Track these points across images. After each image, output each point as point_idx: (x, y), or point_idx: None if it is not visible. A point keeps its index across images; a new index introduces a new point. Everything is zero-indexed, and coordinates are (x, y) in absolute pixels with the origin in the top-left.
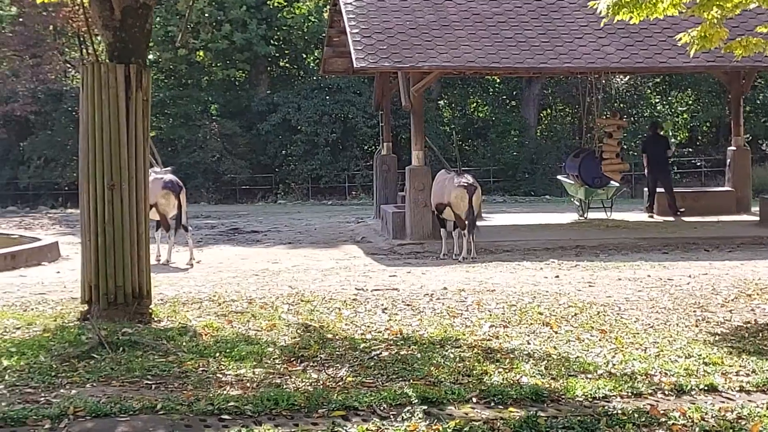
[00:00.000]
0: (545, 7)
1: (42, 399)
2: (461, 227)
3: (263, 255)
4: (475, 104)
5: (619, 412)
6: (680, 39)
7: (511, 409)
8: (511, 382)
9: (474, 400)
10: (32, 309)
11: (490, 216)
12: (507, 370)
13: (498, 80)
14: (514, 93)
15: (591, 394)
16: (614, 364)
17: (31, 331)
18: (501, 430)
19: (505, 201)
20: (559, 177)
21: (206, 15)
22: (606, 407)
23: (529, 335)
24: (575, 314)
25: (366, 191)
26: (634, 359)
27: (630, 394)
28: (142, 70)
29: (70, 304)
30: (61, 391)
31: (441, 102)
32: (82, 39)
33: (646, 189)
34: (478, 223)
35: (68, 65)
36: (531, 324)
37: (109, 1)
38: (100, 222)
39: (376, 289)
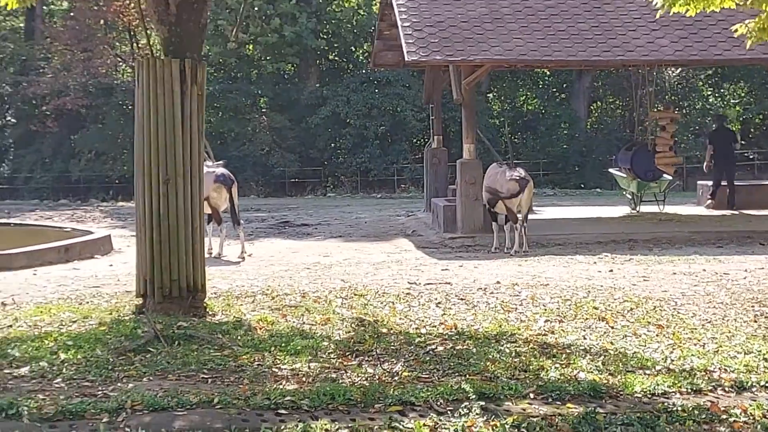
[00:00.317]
0: (598, 0)
1: (99, 392)
2: (513, 220)
3: (314, 248)
4: (524, 97)
5: (679, 408)
6: (736, 31)
7: (569, 405)
8: (569, 377)
9: (531, 395)
10: (87, 302)
11: (540, 209)
12: (564, 366)
13: (548, 73)
14: (564, 85)
15: (650, 391)
16: (672, 360)
17: (87, 325)
18: (559, 427)
19: (556, 194)
20: (610, 170)
21: (256, 9)
22: (665, 404)
23: (584, 330)
24: (631, 309)
25: (415, 184)
26: (692, 355)
27: (689, 390)
28: (197, 65)
29: (124, 298)
30: (118, 384)
31: (490, 95)
32: (132, 33)
33: (700, 182)
34: (530, 217)
35: (119, 59)
36: (586, 319)
37: None
38: (155, 216)
39: (428, 283)
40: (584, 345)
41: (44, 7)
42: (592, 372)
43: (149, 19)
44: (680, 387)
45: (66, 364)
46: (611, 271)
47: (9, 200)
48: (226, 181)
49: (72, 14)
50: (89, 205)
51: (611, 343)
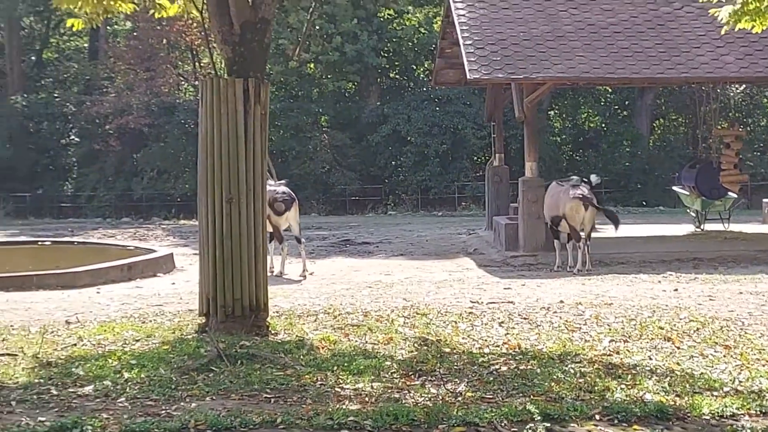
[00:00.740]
0: (662, 16)
1: (163, 412)
2: (576, 239)
3: (375, 267)
4: (586, 114)
5: (748, 431)
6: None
7: (635, 426)
8: (635, 399)
9: (597, 417)
10: (150, 321)
11: (603, 227)
12: (629, 387)
13: (610, 90)
14: (626, 103)
15: (718, 413)
16: (741, 381)
17: (150, 343)
18: None
19: (618, 212)
20: (673, 188)
21: (317, 28)
22: (734, 426)
23: (650, 350)
24: (697, 329)
25: (476, 202)
26: (761, 376)
27: (759, 412)
28: (260, 84)
29: (187, 316)
30: (182, 404)
31: (552, 112)
32: (195, 52)
33: (766, 200)
34: (593, 235)
35: (181, 78)
36: (652, 339)
37: (229, 15)
38: (218, 235)
39: (491, 302)
40: (650, 365)
41: (108, 28)
42: (658, 393)
43: (213, 38)
44: (749, 409)
45: (129, 383)
46: (676, 290)
47: (72, 219)
48: (286, 199)
49: (135, 34)
50: (151, 223)
51: (678, 363)
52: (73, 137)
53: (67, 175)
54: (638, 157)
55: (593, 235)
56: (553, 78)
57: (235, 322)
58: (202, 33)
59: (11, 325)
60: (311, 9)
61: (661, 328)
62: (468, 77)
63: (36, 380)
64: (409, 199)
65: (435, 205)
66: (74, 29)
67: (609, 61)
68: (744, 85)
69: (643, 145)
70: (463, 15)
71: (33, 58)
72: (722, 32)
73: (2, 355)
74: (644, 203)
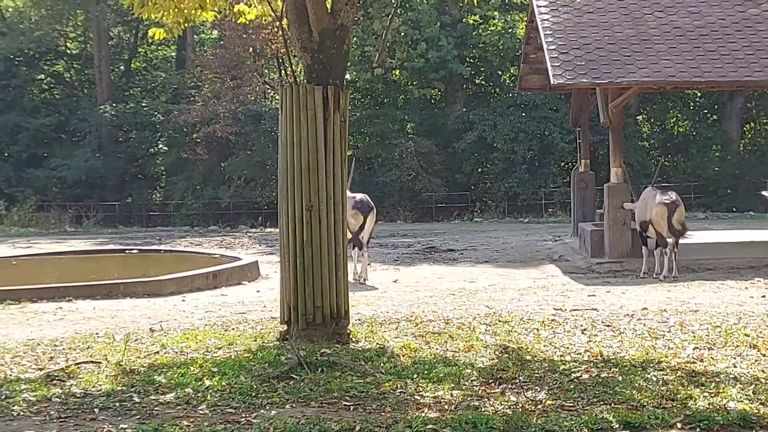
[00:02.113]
0: (749, 18)
1: (243, 419)
2: (662, 245)
3: (460, 274)
4: (674, 119)
5: None
6: None
7: None
8: (718, 407)
9: (678, 425)
10: (233, 329)
11: (691, 233)
12: (713, 395)
13: (699, 94)
14: (716, 107)
15: None
16: None
17: (232, 351)
18: None
19: (707, 217)
20: (763, 192)
21: (402, 34)
22: None
23: (735, 358)
24: None
25: (563, 209)
26: None
27: None
28: (339, 92)
29: (269, 324)
30: (261, 411)
31: (640, 117)
32: (280, 60)
33: None
34: (681, 241)
35: (267, 86)
36: (737, 346)
37: (308, 23)
38: (298, 243)
39: (574, 309)
40: (734, 373)
41: (195, 37)
42: (742, 401)
43: (293, 46)
44: None
45: (210, 391)
46: (764, 296)
47: (160, 227)
48: (363, 208)
49: (222, 43)
50: (238, 231)
51: (763, 371)
52: (161, 146)
53: (155, 184)
54: (728, 161)
55: (681, 241)
56: (638, 82)
57: (316, 329)
58: (283, 41)
59: (97, 333)
60: (391, 16)
61: (747, 336)
62: (552, 83)
63: (119, 388)
64: (495, 205)
65: (522, 212)
66: (156, 38)
67: (695, 64)
68: None
69: (733, 150)
70: (547, 20)
71: (121, 67)
72: None
73: (87, 362)
74: (734, 209)
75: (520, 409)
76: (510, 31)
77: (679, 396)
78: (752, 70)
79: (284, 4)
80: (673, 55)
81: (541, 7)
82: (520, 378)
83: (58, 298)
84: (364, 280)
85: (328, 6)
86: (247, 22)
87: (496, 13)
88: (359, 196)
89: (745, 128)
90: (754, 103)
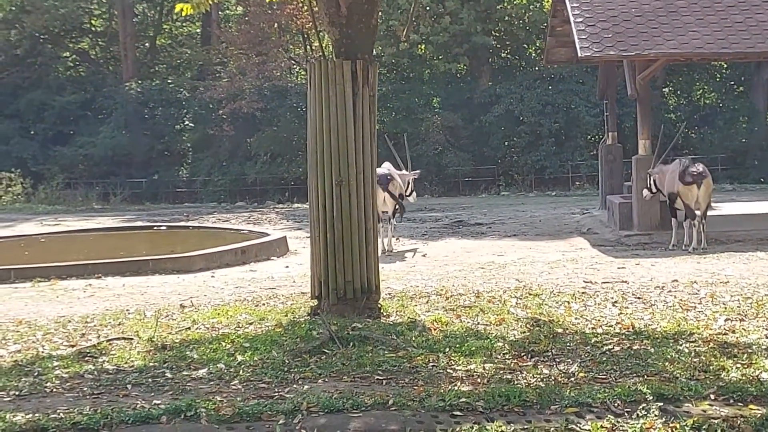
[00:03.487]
0: None
1: (275, 394)
2: (690, 217)
3: (488, 248)
4: (701, 91)
5: None
6: None
7: (751, 406)
8: (750, 378)
9: (712, 397)
10: (263, 304)
11: (719, 205)
12: (745, 366)
13: (725, 66)
14: (743, 78)
15: None
16: None
17: (263, 326)
18: (742, 429)
19: (735, 189)
20: None
21: (427, 8)
22: None
23: (767, 329)
24: None
25: (590, 182)
26: None
27: None
28: (368, 66)
29: (299, 299)
30: (294, 386)
31: (666, 89)
32: (306, 35)
33: None
34: (709, 213)
35: (292, 62)
36: None
37: None
38: (328, 218)
39: (605, 282)
40: (766, 344)
41: (220, 13)
42: None
43: (320, 21)
44: None
45: (243, 366)
46: None
47: (188, 203)
48: (382, 181)
49: (247, 18)
50: (265, 207)
51: None
52: (187, 123)
53: (182, 161)
54: (755, 133)
55: (710, 213)
56: (666, 54)
57: (347, 304)
58: (311, 15)
59: (127, 310)
60: None
61: None
62: (579, 55)
63: (151, 363)
64: (522, 179)
65: (549, 185)
66: (183, 14)
67: (723, 35)
68: None
69: (761, 121)
70: None
71: (146, 44)
72: None
73: (119, 339)
74: (762, 180)
75: (553, 382)
76: (536, 3)
77: (711, 368)
78: None
79: None
80: (700, 26)
81: None
82: (552, 351)
83: (87, 275)
84: (390, 250)
85: None
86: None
87: None
88: (381, 170)
89: None
90: None
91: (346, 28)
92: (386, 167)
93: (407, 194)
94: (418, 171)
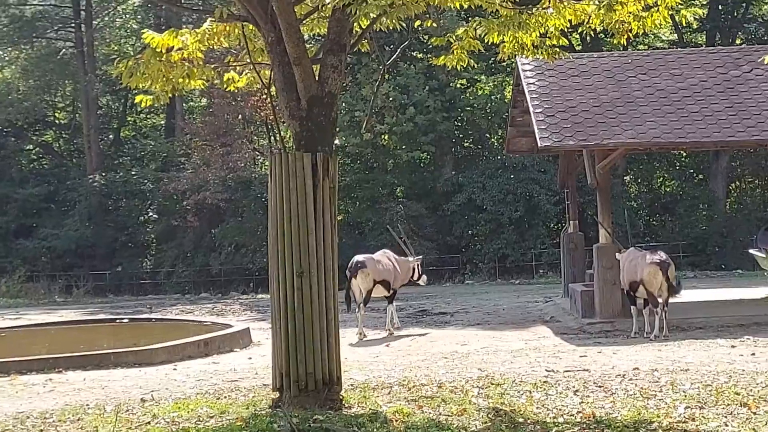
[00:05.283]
0: (731, 80)
1: None
2: (653, 305)
3: (452, 337)
4: (662, 179)
5: None
6: None
7: None
8: None
9: None
10: (225, 397)
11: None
12: None
13: (684, 154)
14: (702, 166)
15: None
16: None
17: (224, 420)
18: None
19: (696, 276)
20: (750, 251)
21: (391, 99)
22: None
23: (726, 417)
24: None
25: (553, 269)
26: None
27: None
28: (328, 158)
29: (261, 391)
30: None
31: (627, 177)
32: (269, 127)
33: None
34: (671, 300)
35: (257, 153)
36: (728, 405)
37: (296, 91)
38: (289, 309)
39: (566, 371)
40: None
41: (184, 105)
42: None
43: (281, 114)
44: None
45: None
46: (753, 354)
47: (152, 295)
48: (351, 267)
49: (211, 110)
50: (229, 297)
51: (754, 429)
52: (151, 214)
53: (146, 252)
54: (715, 220)
55: (671, 300)
56: (624, 144)
57: (309, 396)
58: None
59: (87, 404)
60: (378, 82)
61: (738, 394)
62: (539, 145)
63: None
64: (485, 267)
65: (512, 273)
66: (142, 106)
67: (679, 125)
68: None
69: (720, 209)
70: (533, 83)
71: (111, 136)
72: None
73: None
74: (723, 267)
75: None
76: (497, 94)
77: None
78: (735, 130)
79: (272, 73)
80: (657, 116)
81: (526, 71)
82: None
83: (48, 370)
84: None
85: (316, 74)
86: (236, 90)
87: (482, 76)
88: (357, 257)
89: (730, 187)
90: (738, 162)
91: (306, 121)
92: (380, 255)
93: (416, 279)
94: (420, 257)
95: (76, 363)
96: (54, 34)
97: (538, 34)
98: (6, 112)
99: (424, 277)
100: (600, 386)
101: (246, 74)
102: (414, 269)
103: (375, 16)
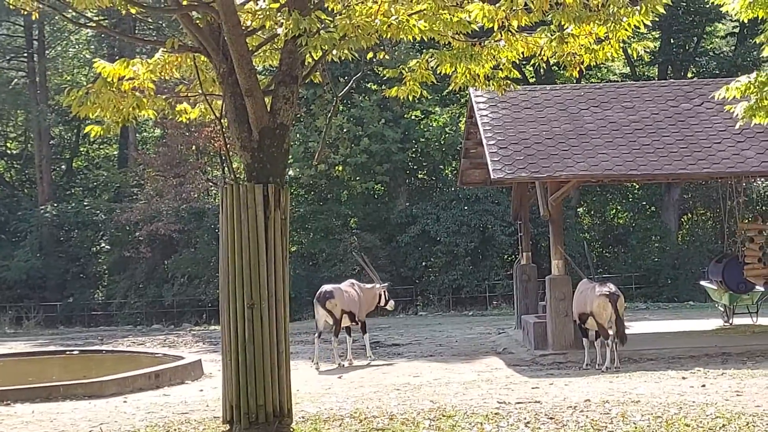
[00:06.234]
0: (682, 113)
1: None
2: (604, 336)
3: (404, 369)
4: (614, 211)
5: None
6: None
7: None
8: None
9: None
10: (175, 429)
11: (632, 324)
12: None
13: (637, 186)
14: (654, 198)
15: None
16: None
17: None
18: None
19: (648, 308)
20: (701, 282)
21: (345, 131)
22: None
23: None
24: (723, 426)
25: (507, 301)
26: None
27: None
28: (280, 189)
29: (212, 424)
30: None
31: (580, 209)
32: (223, 158)
33: None
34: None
35: (210, 183)
36: None
37: (247, 122)
38: (240, 341)
39: (518, 402)
40: None
41: (137, 135)
42: None
43: (233, 145)
44: None
45: None
46: (704, 386)
47: (103, 326)
48: (319, 298)
49: (165, 140)
50: (182, 329)
51: None
52: (103, 245)
53: (97, 283)
54: (667, 252)
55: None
56: (576, 176)
57: (259, 428)
58: (223, 140)
59: None
60: (330, 114)
61: (688, 425)
62: (492, 177)
63: None
64: (439, 299)
65: (466, 305)
66: (92, 136)
67: (631, 158)
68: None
69: (672, 241)
70: (486, 115)
71: (63, 166)
72: (737, 126)
73: None
74: (675, 299)
75: None
76: (451, 126)
77: None
78: (686, 163)
79: (224, 104)
80: (609, 148)
81: (479, 103)
82: None
83: None
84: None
85: (268, 105)
86: (189, 121)
87: (437, 108)
88: (325, 286)
89: (682, 219)
90: (690, 194)
91: (258, 153)
92: (346, 285)
93: (383, 305)
94: (386, 284)
95: (25, 395)
96: (6, 64)
97: (490, 66)
98: None
99: (392, 302)
100: (551, 418)
101: (198, 105)
102: (380, 295)
103: (326, 48)
